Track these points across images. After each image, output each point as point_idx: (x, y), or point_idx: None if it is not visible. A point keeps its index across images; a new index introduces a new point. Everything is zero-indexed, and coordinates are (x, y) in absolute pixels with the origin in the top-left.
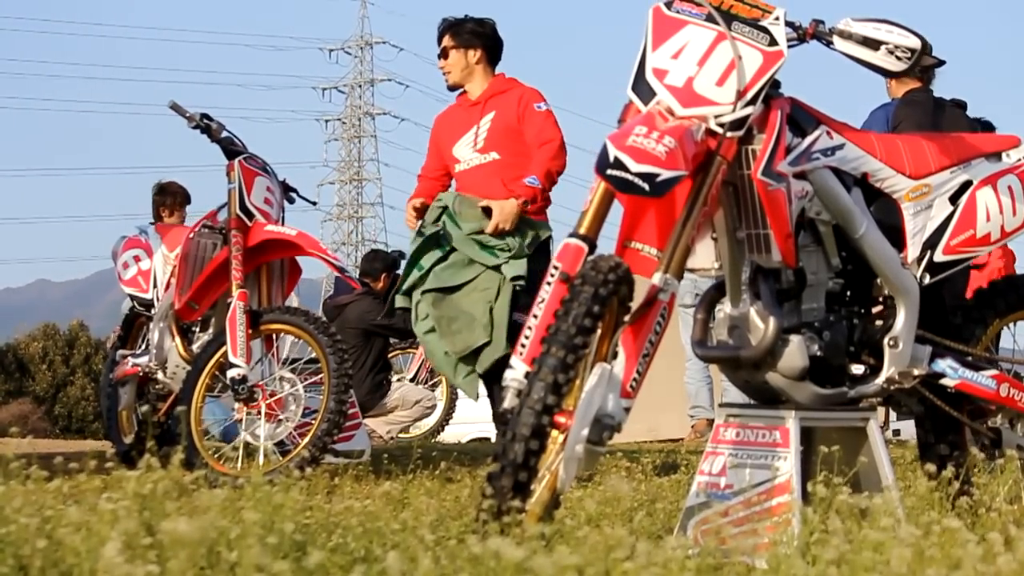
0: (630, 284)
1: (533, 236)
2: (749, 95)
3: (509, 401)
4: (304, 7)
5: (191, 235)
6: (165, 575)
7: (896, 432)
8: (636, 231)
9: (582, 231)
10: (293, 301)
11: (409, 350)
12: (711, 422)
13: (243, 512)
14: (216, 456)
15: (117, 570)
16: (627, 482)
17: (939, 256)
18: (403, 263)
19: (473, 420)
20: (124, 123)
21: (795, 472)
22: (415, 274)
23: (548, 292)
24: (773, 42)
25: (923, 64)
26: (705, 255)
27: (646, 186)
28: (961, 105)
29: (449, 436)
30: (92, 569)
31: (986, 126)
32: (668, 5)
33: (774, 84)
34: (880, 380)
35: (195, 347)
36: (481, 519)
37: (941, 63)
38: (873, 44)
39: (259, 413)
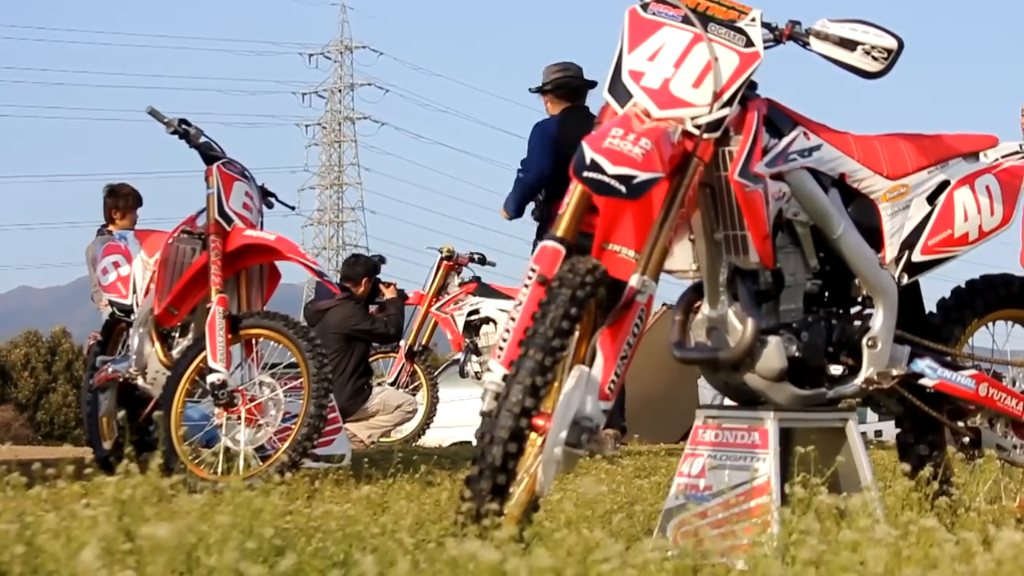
0: (608, 286)
1: None
2: (725, 96)
3: (487, 404)
4: (284, 12)
5: (170, 240)
6: None
7: (878, 433)
8: (613, 233)
9: (559, 233)
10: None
11: (390, 355)
12: None
13: (219, 516)
14: (196, 461)
15: (95, 575)
16: (602, 483)
17: (917, 256)
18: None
19: (454, 424)
20: (104, 129)
21: (774, 473)
22: None
23: (526, 295)
24: (749, 43)
25: (571, 85)
26: (683, 257)
27: (623, 188)
28: None
29: (430, 440)
30: (71, 575)
31: None
32: (644, 7)
33: (751, 85)
34: (859, 381)
35: (175, 352)
36: (460, 522)
37: (593, 84)
38: (849, 45)
39: (239, 418)
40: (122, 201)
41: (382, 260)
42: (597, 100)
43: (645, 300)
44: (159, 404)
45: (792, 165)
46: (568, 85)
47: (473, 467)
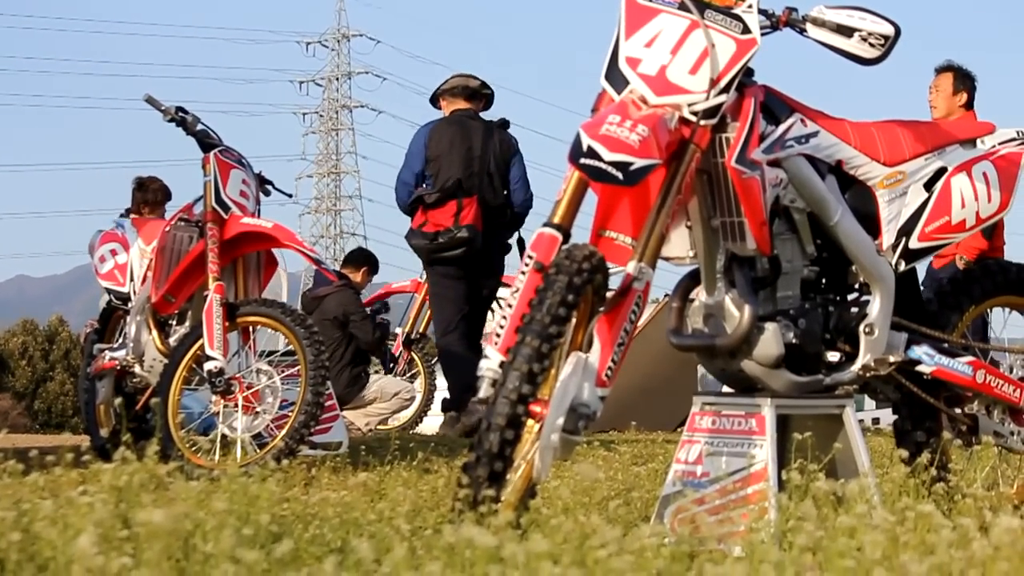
0: (605, 273)
1: None
2: (722, 83)
3: (484, 391)
4: (281, 0)
5: (167, 228)
6: (140, 566)
7: (875, 420)
8: (610, 220)
9: (556, 220)
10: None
11: (387, 343)
12: None
13: (216, 503)
14: (193, 448)
15: (92, 562)
16: (599, 470)
17: (914, 243)
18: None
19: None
20: (101, 117)
21: (771, 460)
22: None
23: (523, 281)
24: (746, 30)
25: (465, 84)
26: (680, 243)
27: (619, 175)
28: (504, 124)
29: (427, 428)
30: (67, 561)
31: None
32: None
33: (747, 72)
34: (856, 367)
35: (172, 340)
36: (457, 509)
37: (487, 87)
38: (846, 31)
39: (236, 405)
40: (151, 196)
41: (386, 308)
42: (502, 108)
43: (642, 287)
44: (156, 392)
45: (789, 152)
46: (461, 85)
47: (470, 454)
